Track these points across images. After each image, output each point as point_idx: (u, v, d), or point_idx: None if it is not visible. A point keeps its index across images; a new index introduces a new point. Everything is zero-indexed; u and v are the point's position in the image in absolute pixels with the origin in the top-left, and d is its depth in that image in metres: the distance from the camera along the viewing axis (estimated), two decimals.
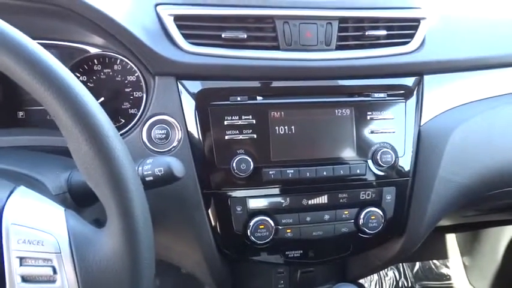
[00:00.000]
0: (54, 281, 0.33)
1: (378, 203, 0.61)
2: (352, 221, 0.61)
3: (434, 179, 0.63)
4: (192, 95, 0.57)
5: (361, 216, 0.60)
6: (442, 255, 1.36)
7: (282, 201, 0.59)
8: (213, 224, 0.59)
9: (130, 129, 0.57)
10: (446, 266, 1.35)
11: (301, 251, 0.61)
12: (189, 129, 0.57)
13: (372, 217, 0.60)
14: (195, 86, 0.58)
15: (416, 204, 0.64)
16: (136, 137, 0.56)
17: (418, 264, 1.34)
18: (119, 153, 0.33)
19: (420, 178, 0.63)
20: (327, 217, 0.60)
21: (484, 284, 1.27)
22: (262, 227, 0.57)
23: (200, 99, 0.57)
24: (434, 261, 1.35)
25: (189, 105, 0.57)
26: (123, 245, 0.33)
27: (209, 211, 0.58)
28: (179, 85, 0.57)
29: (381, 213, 0.61)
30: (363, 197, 0.61)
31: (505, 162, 0.66)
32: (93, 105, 0.33)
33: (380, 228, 0.61)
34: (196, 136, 0.57)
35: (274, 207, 0.58)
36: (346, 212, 0.60)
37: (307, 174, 0.58)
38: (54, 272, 0.33)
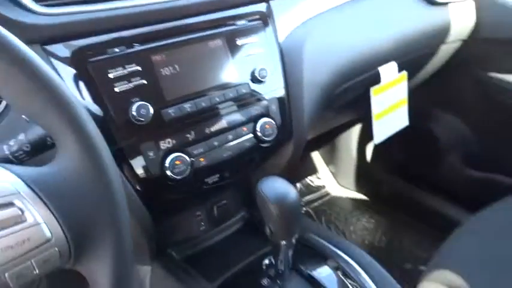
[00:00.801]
0: (24, 221, 0.31)
1: (266, 114, 0.70)
2: (252, 134, 0.68)
3: (302, 84, 0.75)
4: (64, 58, 0.55)
5: (258, 129, 0.68)
6: (314, 170, 1.57)
7: (189, 134, 0.62)
8: (130, 178, 0.59)
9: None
10: (318, 178, 1.57)
11: (218, 175, 0.66)
12: (75, 93, 0.55)
13: (267, 126, 0.69)
14: (64, 48, 0.56)
15: (295, 109, 0.75)
16: None
17: (298, 185, 1.54)
18: (60, 81, 0.33)
19: (292, 87, 0.74)
20: (230, 137, 0.66)
21: (349, 181, 1.54)
22: (179, 162, 0.60)
23: (75, 60, 0.56)
24: (309, 177, 1.56)
25: (65, 70, 0.55)
26: (86, 161, 0.33)
27: (124, 167, 0.58)
28: (47, 51, 0.54)
29: (272, 121, 0.70)
30: (253, 112, 0.68)
31: (353, 55, 0.82)
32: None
33: (274, 134, 0.70)
34: (87, 98, 0.56)
35: (183, 142, 0.62)
36: (245, 129, 0.68)
37: (203, 104, 0.63)
38: (22, 211, 0.31)
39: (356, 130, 1.49)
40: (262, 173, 0.79)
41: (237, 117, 0.67)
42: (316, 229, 0.77)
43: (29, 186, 0.32)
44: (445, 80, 1.23)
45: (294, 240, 0.62)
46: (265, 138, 0.69)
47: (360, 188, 1.51)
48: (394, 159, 1.44)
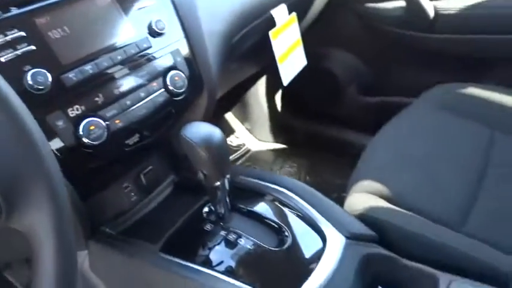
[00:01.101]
0: None
1: (174, 67, 0.69)
2: (163, 89, 0.67)
3: (201, 34, 0.75)
4: None
5: (168, 82, 0.67)
6: (231, 131, 1.60)
7: (97, 98, 0.59)
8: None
9: None
10: (237, 137, 1.60)
11: (138, 134, 0.64)
12: None
13: (176, 78, 0.68)
14: None
15: (200, 59, 0.74)
16: None
17: None
18: None
19: (193, 37, 0.73)
20: (142, 94, 0.64)
21: (266, 134, 1.59)
22: (93, 127, 0.57)
23: None
24: (227, 139, 1.58)
25: None
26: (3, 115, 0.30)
27: None
28: None
29: (181, 73, 0.69)
30: (160, 66, 0.67)
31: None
32: None
33: (185, 86, 0.69)
34: None
35: (93, 106, 0.58)
36: (155, 84, 0.66)
37: (105, 64, 0.60)
38: None
39: (262, 84, 1.53)
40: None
41: (145, 73, 0.65)
42: (246, 171, 0.79)
43: None
44: (331, 18, 1.31)
45: (227, 180, 0.63)
46: (177, 91, 0.68)
47: (277, 138, 1.57)
48: (301, 103, 1.51)
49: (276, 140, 1.58)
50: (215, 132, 0.58)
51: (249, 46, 1.00)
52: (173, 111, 0.70)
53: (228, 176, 0.62)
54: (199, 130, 0.58)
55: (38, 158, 0.32)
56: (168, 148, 0.84)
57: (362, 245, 0.67)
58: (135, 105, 0.63)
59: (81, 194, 0.64)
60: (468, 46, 1.19)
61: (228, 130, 1.58)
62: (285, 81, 1.05)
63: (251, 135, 1.61)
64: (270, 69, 1.41)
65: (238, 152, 1.56)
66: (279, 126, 1.56)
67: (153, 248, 0.65)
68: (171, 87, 0.67)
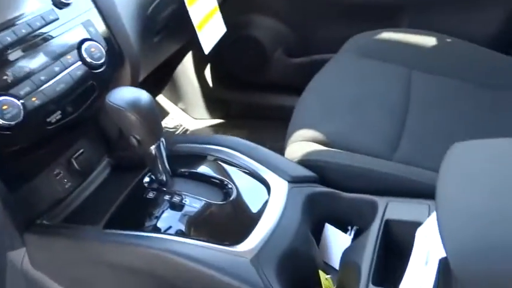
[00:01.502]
0: None
1: (87, 38, 0.65)
2: (80, 62, 0.64)
3: (112, 3, 0.72)
4: None
5: (84, 54, 0.64)
6: (165, 114, 1.56)
7: (6, 76, 0.55)
8: None
9: None
10: (172, 119, 1.57)
11: (60, 111, 0.61)
12: None
13: (92, 49, 0.65)
14: None
15: (116, 29, 0.71)
16: None
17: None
18: None
19: (104, 7, 0.70)
20: (57, 69, 0.60)
21: (201, 111, 1.57)
22: (6, 107, 0.53)
23: None
24: (163, 122, 1.55)
25: None
26: None
27: None
28: None
29: (97, 44, 0.66)
30: (71, 38, 0.63)
31: None
32: None
33: (104, 57, 0.66)
34: None
35: (2, 84, 0.54)
36: (69, 57, 0.62)
37: (8, 39, 0.56)
38: None
39: (190, 61, 1.50)
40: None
41: (56, 46, 0.61)
42: (182, 139, 0.78)
43: None
44: None
45: (162, 143, 0.62)
46: (96, 63, 0.65)
47: (212, 113, 1.57)
48: (231, 75, 1.51)
49: (212, 116, 1.58)
50: (142, 94, 0.57)
51: (168, 17, 0.98)
52: (95, 85, 0.67)
53: (162, 138, 0.61)
54: (125, 94, 0.56)
55: None
56: (98, 130, 0.81)
57: (304, 186, 0.69)
58: (50, 80, 0.59)
59: (9, 184, 0.60)
60: None
61: (162, 113, 1.54)
62: (206, 49, 1.04)
63: (186, 115, 1.58)
64: (194, 43, 1.40)
65: (176, 133, 1.53)
66: (212, 101, 1.56)
67: (96, 228, 0.63)
68: (88, 59, 0.64)
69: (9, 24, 0.56)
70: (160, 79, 1.49)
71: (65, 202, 0.72)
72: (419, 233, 0.59)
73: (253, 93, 1.50)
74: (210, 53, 1.08)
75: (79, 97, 0.64)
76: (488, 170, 0.47)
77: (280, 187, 0.68)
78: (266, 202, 0.65)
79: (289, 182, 0.69)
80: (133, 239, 0.58)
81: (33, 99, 0.57)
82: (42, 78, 0.58)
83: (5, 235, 0.66)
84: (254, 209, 0.64)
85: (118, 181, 0.77)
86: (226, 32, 1.17)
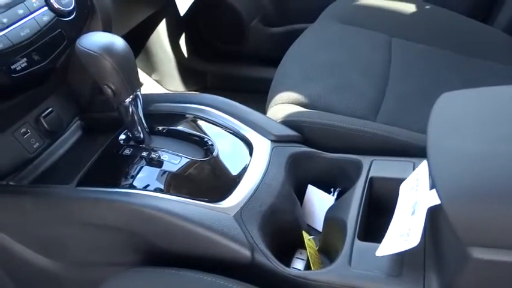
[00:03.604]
0: None
1: None
2: (46, 7, 0.58)
3: None
4: None
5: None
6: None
7: None
8: None
9: None
10: (146, 90, 1.51)
11: (25, 59, 0.56)
12: None
13: None
14: None
15: None
16: None
17: None
18: None
19: None
20: (21, 12, 0.55)
21: (176, 83, 1.52)
22: None
23: None
24: None
25: None
26: None
27: None
28: None
29: None
30: None
31: None
32: None
33: (72, 4, 0.61)
34: None
35: None
36: (34, 0, 0.57)
37: None
38: None
39: (163, 31, 1.44)
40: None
41: None
42: (159, 98, 0.74)
43: None
44: None
45: (139, 95, 0.58)
46: (64, 9, 0.60)
47: (188, 85, 1.52)
48: (207, 46, 1.47)
49: (188, 88, 1.53)
50: (116, 39, 0.52)
51: None
52: (63, 34, 0.61)
53: (139, 90, 0.57)
54: (98, 38, 0.52)
55: None
56: (68, 88, 0.76)
57: (287, 146, 0.67)
58: (14, 24, 0.54)
59: None
60: None
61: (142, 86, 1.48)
62: (182, 11, 0.99)
63: (161, 87, 1.53)
64: (169, 9, 1.34)
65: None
66: (188, 72, 1.51)
67: (68, 187, 0.59)
68: (56, 5, 0.59)
69: None
70: (132, 48, 1.42)
71: (33, 164, 0.67)
72: (404, 187, 0.58)
73: (231, 64, 1.46)
74: (185, 20, 1.03)
75: (46, 45, 0.59)
76: (476, 116, 0.46)
77: (262, 146, 0.65)
78: (249, 160, 0.63)
79: (272, 141, 0.67)
80: (109, 195, 0.54)
81: None
82: (5, 20, 0.53)
83: None
84: (236, 166, 0.62)
85: (91, 142, 0.73)
86: None
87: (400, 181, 0.58)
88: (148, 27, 1.37)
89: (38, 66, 0.58)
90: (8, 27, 0.53)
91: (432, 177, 0.42)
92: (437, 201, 0.42)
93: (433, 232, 0.49)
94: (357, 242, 0.53)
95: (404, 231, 0.50)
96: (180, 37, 1.48)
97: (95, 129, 0.77)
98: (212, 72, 1.50)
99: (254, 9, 1.39)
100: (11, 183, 0.64)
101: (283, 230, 0.61)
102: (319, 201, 0.70)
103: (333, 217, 0.61)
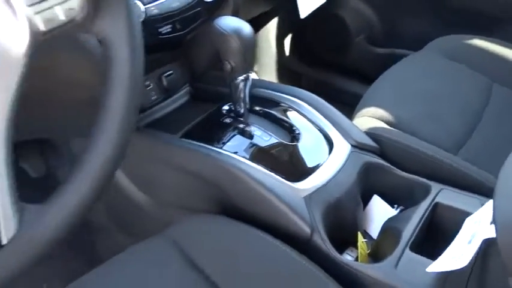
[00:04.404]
0: None
1: None
2: None
3: None
4: None
5: None
6: None
7: None
8: None
9: None
10: None
11: (170, 25, 0.68)
12: None
13: None
14: None
15: None
16: None
17: None
18: None
19: None
20: None
21: (271, 77, 1.62)
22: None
23: None
24: None
25: None
26: None
27: None
28: None
29: None
30: None
31: None
32: None
33: None
34: None
35: None
36: None
37: None
38: None
39: (273, 27, 1.55)
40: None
41: None
42: (263, 84, 0.83)
43: None
44: None
45: (251, 75, 0.67)
46: None
47: (282, 82, 1.61)
48: (310, 50, 1.55)
49: (281, 83, 1.62)
50: (246, 24, 0.62)
51: None
52: (201, 12, 0.73)
53: (252, 70, 0.67)
54: (231, 22, 0.62)
55: None
56: (187, 60, 0.88)
57: (364, 154, 0.73)
58: None
59: None
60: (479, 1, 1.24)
61: None
62: (303, 13, 1.08)
63: (257, 77, 1.64)
64: (284, 7, 1.44)
65: None
66: (284, 70, 1.60)
67: (174, 136, 0.70)
68: None
69: None
70: None
71: (149, 111, 0.80)
72: (469, 220, 0.61)
73: (327, 72, 1.53)
74: (295, 22, 1.11)
75: (187, 18, 0.71)
76: None
77: (342, 147, 0.72)
78: (327, 156, 0.69)
79: (352, 145, 0.73)
80: (205, 150, 0.65)
81: (153, 8, 0.64)
82: None
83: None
84: (315, 158, 0.69)
85: (196, 107, 0.84)
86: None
87: (463, 213, 0.61)
88: (262, 20, 1.48)
89: (177, 34, 0.70)
90: None
91: (493, 212, 0.45)
92: (494, 235, 0.46)
93: (482, 260, 0.52)
94: (408, 251, 0.57)
95: (457, 255, 0.54)
96: (286, 36, 1.57)
97: (200, 97, 0.88)
98: (307, 76, 1.58)
99: (362, 26, 1.44)
100: None
101: (341, 225, 0.67)
102: (380, 212, 0.74)
103: (391, 226, 0.65)
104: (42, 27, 0.32)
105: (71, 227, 0.35)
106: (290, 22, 1.53)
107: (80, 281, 0.55)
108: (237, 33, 0.61)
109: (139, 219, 0.79)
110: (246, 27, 0.62)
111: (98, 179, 0.36)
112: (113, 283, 0.54)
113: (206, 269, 0.54)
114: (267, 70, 1.62)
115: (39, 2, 0.31)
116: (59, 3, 0.32)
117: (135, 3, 0.61)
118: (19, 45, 0.30)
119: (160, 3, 0.65)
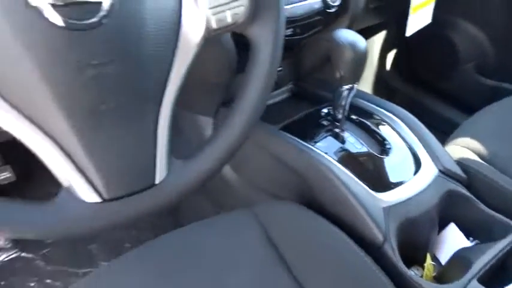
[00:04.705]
0: None
1: None
2: None
3: None
4: None
5: None
6: None
7: None
8: None
9: None
10: None
11: (292, 29, 0.75)
12: None
13: None
14: None
15: None
16: None
17: None
18: None
19: None
20: None
21: (367, 86, 1.64)
22: None
23: None
24: None
25: None
26: None
27: None
28: None
29: None
30: None
31: None
32: None
33: (339, 1, 0.78)
34: None
35: None
36: None
37: None
38: None
39: (379, 39, 1.56)
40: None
41: None
42: (363, 95, 0.88)
43: None
44: None
45: (356, 86, 0.72)
46: (331, 4, 0.78)
47: (376, 93, 1.62)
48: (412, 68, 1.54)
49: (375, 94, 1.63)
50: (361, 39, 0.67)
51: None
52: (322, 20, 0.79)
53: (357, 82, 0.72)
54: (349, 35, 0.68)
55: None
56: (297, 59, 0.95)
57: (450, 181, 0.74)
58: (297, 3, 0.73)
59: None
60: None
61: None
62: (409, 31, 1.09)
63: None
64: (394, 23, 1.45)
65: None
66: (382, 83, 1.61)
67: (273, 127, 0.78)
68: (328, 0, 0.77)
69: None
70: None
71: None
72: None
73: (425, 93, 1.51)
74: (400, 38, 1.12)
75: (308, 24, 0.78)
76: None
77: (429, 170, 0.74)
78: (412, 175, 0.72)
79: (439, 170, 0.74)
80: (300, 145, 0.72)
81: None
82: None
83: (202, 103, 0.85)
84: (400, 174, 0.72)
85: (297, 103, 0.91)
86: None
87: None
88: (370, 31, 1.51)
89: (296, 37, 0.77)
90: (291, 3, 0.73)
91: None
92: None
93: None
94: (475, 282, 0.59)
95: None
96: (390, 50, 1.58)
97: (300, 96, 0.95)
98: (403, 93, 1.58)
99: (473, 52, 1.39)
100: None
101: (413, 242, 0.70)
102: (454, 240, 0.75)
103: (462, 255, 0.67)
104: (214, 25, 0.40)
105: (206, 181, 0.44)
106: (397, 37, 1.53)
107: (160, 238, 0.62)
108: (352, 46, 0.66)
109: (226, 194, 0.88)
110: (361, 42, 0.67)
111: (233, 142, 0.45)
112: (189, 244, 0.61)
113: (280, 247, 0.60)
114: (364, 78, 1.64)
115: (216, 6, 0.39)
116: (229, 9, 0.40)
117: None
118: (196, 36, 0.39)
119: (290, 8, 0.73)
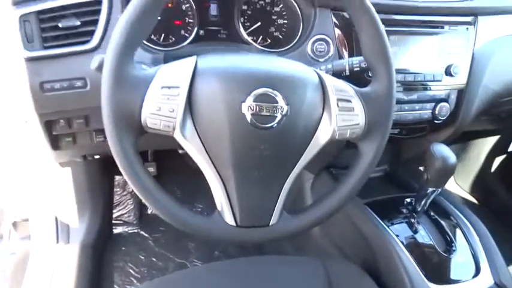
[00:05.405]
0: (353, 109, 0.61)
1: (446, 99, 0.93)
2: (430, 112, 0.93)
3: (479, 85, 0.97)
4: None
5: (436, 109, 0.93)
6: None
7: None
8: None
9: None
10: None
11: (399, 129, 0.93)
12: None
13: (443, 109, 0.93)
14: None
15: (466, 101, 0.97)
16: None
17: None
18: None
19: (471, 84, 0.95)
20: (417, 107, 0.91)
21: (465, 182, 1.69)
22: None
23: None
24: None
25: None
26: (388, 87, 0.62)
27: None
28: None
29: (448, 105, 0.93)
30: (438, 95, 0.92)
31: None
32: None
33: (446, 116, 0.94)
34: None
35: None
36: (428, 106, 0.92)
37: (409, 78, 0.89)
38: (353, 106, 0.61)
39: (491, 141, 1.62)
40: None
41: (426, 95, 0.92)
42: (447, 194, 1.00)
43: (358, 95, 0.62)
44: None
45: (438, 191, 0.87)
46: (439, 117, 0.93)
47: (473, 191, 1.67)
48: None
49: (471, 193, 1.68)
50: (452, 155, 0.82)
51: (507, 109, 1.16)
52: (427, 128, 0.95)
53: (441, 188, 0.86)
54: (444, 150, 0.83)
55: (389, 116, 0.63)
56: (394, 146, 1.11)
57: None
58: (408, 111, 0.91)
59: None
60: None
61: None
62: None
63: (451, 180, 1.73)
64: (508, 129, 1.50)
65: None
66: (482, 181, 1.65)
67: (361, 201, 0.96)
68: (436, 113, 0.93)
69: (413, 70, 0.89)
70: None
71: None
72: None
73: None
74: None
75: (412, 129, 0.94)
76: None
77: (485, 279, 0.84)
78: (470, 279, 0.84)
79: (495, 282, 0.84)
80: (378, 223, 0.88)
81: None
82: (406, 107, 0.90)
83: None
84: (458, 274, 0.84)
85: (386, 184, 1.07)
86: None
87: None
88: (480, 133, 1.58)
89: (400, 136, 0.94)
90: (404, 111, 0.90)
91: None
92: None
93: None
94: None
95: None
96: (499, 155, 1.62)
97: (390, 178, 1.11)
98: (502, 198, 1.59)
99: None
100: (333, 170, 1.07)
101: None
102: None
103: None
104: (337, 137, 0.60)
105: (301, 233, 0.64)
106: (508, 144, 1.57)
107: (237, 260, 0.81)
108: (444, 160, 0.81)
109: (304, 237, 1.07)
110: (452, 159, 0.81)
111: (329, 211, 0.64)
112: (257, 273, 0.78)
113: None
114: (462, 173, 1.69)
115: (342, 127, 0.60)
116: (350, 129, 0.61)
117: None
118: (323, 140, 0.61)
119: (400, 113, 0.90)
